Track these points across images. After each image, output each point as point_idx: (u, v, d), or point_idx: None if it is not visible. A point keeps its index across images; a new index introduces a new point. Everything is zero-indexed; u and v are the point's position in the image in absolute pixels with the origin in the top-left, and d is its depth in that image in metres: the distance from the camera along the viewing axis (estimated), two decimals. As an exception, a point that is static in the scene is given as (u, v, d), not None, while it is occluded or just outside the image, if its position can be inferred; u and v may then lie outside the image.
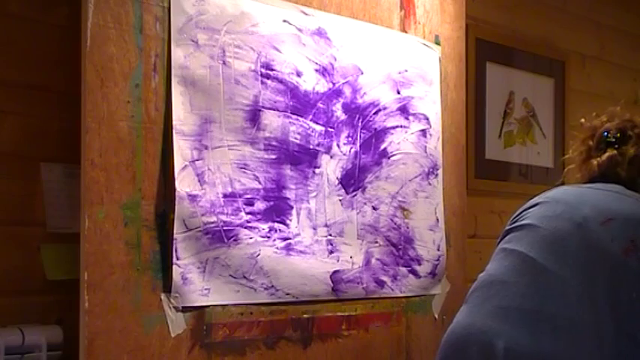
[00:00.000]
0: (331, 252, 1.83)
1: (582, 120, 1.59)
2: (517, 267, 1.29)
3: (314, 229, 1.80)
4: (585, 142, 1.54)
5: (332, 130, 1.85)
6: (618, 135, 1.48)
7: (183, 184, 1.57)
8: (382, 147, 1.96)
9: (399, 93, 2.01)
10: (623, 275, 1.24)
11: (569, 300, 1.22)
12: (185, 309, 1.57)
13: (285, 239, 1.74)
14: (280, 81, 1.75)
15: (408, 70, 2.04)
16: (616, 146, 1.47)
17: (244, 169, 1.68)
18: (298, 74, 1.79)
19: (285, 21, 1.78)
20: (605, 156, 1.47)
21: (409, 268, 2.01)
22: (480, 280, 1.34)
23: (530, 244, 1.30)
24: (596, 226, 1.28)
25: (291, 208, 1.76)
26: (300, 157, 1.78)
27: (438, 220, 2.09)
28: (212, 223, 1.61)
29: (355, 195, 1.89)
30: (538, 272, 1.26)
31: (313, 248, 1.79)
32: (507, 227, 1.39)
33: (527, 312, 1.23)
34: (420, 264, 2.03)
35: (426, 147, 2.07)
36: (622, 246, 1.25)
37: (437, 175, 2.10)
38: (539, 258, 1.27)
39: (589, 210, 1.30)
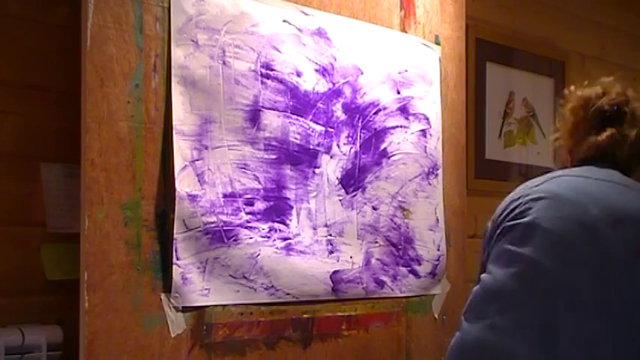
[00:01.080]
0: (331, 252, 1.83)
1: (572, 87, 1.52)
2: (528, 276, 1.24)
3: (314, 229, 1.80)
4: (575, 111, 1.47)
5: (332, 130, 1.85)
6: (615, 110, 1.43)
7: (183, 184, 1.57)
8: (382, 147, 1.96)
9: (399, 93, 2.01)
10: (635, 278, 1.23)
11: (584, 310, 1.20)
12: (185, 309, 1.57)
13: (285, 239, 1.74)
14: (280, 81, 1.75)
15: (408, 70, 2.04)
16: (612, 123, 1.42)
17: (244, 169, 1.68)
18: (298, 74, 1.79)
19: (285, 21, 1.78)
20: (605, 135, 1.41)
21: (409, 268, 2.01)
22: (487, 286, 1.28)
23: (538, 249, 1.25)
24: (605, 228, 1.25)
25: (291, 208, 1.76)
26: (300, 157, 1.78)
27: (438, 220, 2.09)
28: (212, 223, 1.61)
29: (355, 195, 1.89)
30: (550, 283, 1.22)
31: (313, 248, 1.80)
32: (508, 221, 1.31)
33: (544, 327, 1.20)
34: (420, 264, 2.03)
35: (426, 147, 2.07)
36: (633, 248, 1.24)
37: (437, 175, 2.10)
38: (549, 266, 1.23)
39: (597, 210, 1.26)
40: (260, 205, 1.70)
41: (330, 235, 1.83)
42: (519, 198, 1.33)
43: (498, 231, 1.32)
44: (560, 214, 1.27)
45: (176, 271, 1.55)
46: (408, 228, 2.01)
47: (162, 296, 1.54)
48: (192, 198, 1.58)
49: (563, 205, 1.28)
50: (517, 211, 1.31)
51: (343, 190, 1.87)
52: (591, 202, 1.28)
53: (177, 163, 1.57)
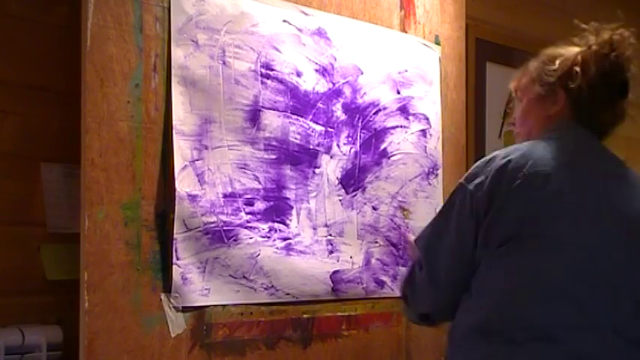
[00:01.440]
0: (331, 252, 1.83)
1: (615, 33, 1.35)
2: (550, 292, 1.21)
3: (314, 229, 1.80)
4: (600, 59, 1.32)
5: (332, 130, 1.85)
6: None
7: (183, 184, 1.57)
8: (382, 147, 1.96)
9: (399, 93, 2.01)
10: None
11: (591, 324, 1.21)
12: (185, 309, 1.57)
13: (285, 239, 1.74)
14: (280, 81, 1.75)
15: (408, 70, 2.04)
16: (624, 95, 1.33)
17: (244, 169, 1.68)
18: (298, 74, 1.79)
19: (285, 21, 1.78)
20: (624, 111, 1.34)
21: (409, 268, 2.01)
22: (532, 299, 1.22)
23: (566, 269, 1.20)
24: (623, 242, 1.24)
25: (291, 208, 1.76)
26: (300, 157, 1.78)
27: (438, 220, 2.09)
28: (212, 223, 1.61)
29: (355, 195, 1.89)
30: (571, 303, 1.20)
31: (313, 248, 1.79)
32: (529, 223, 1.20)
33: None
34: (420, 264, 2.03)
35: (426, 147, 2.07)
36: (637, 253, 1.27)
37: (437, 175, 2.10)
38: (573, 287, 1.20)
39: (612, 220, 1.24)
40: (260, 205, 1.70)
41: (330, 235, 1.83)
42: (531, 183, 1.21)
43: (514, 231, 1.21)
44: (587, 231, 1.22)
45: (176, 271, 1.55)
46: (408, 228, 2.01)
47: (162, 296, 1.54)
48: (192, 198, 1.58)
49: (590, 221, 1.23)
50: (536, 210, 1.21)
51: (343, 190, 1.87)
52: (607, 211, 1.24)
53: (177, 163, 1.56)
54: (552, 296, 1.19)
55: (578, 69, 1.32)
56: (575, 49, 1.37)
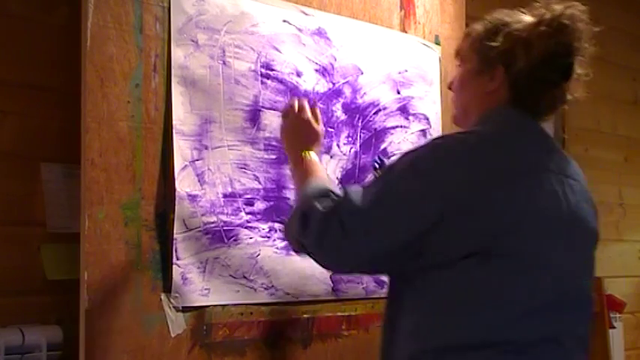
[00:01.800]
0: (331, 252, 1.83)
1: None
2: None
3: (314, 229, 1.80)
4: (547, 36, 1.21)
5: (332, 130, 1.85)
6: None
7: (183, 184, 1.57)
8: (382, 147, 1.96)
9: (399, 93, 2.01)
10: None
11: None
12: (185, 309, 1.57)
13: (285, 239, 1.74)
14: (280, 81, 1.75)
15: (408, 70, 2.04)
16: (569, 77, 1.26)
17: (244, 169, 1.68)
18: (298, 74, 1.79)
19: (285, 21, 1.78)
20: (561, 93, 1.27)
21: (409, 268, 2.00)
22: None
23: (545, 294, 1.17)
24: (581, 251, 1.26)
25: (291, 208, 1.76)
26: (300, 157, 1.78)
27: (438, 220, 2.09)
28: (212, 223, 1.61)
29: (355, 195, 1.89)
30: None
31: (313, 248, 1.79)
32: (497, 234, 1.13)
33: None
34: (420, 264, 2.03)
35: (426, 147, 2.06)
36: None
37: (437, 175, 2.10)
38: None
39: (574, 233, 1.23)
40: (260, 205, 1.70)
41: (330, 235, 1.83)
42: (500, 189, 1.14)
43: (484, 242, 1.13)
44: (556, 244, 1.19)
45: (176, 271, 1.55)
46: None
47: (162, 296, 1.54)
48: (192, 198, 1.58)
49: (557, 233, 1.19)
50: (508, 220, 1.14)
51: (343, 190, 1.87)
52: (570, 221, 1.22)
53: (177, 163, 1.57)
54: (525, 312, 1.15)
55: (521, 48, 1.23)
56: (523, 20, 1.27)
